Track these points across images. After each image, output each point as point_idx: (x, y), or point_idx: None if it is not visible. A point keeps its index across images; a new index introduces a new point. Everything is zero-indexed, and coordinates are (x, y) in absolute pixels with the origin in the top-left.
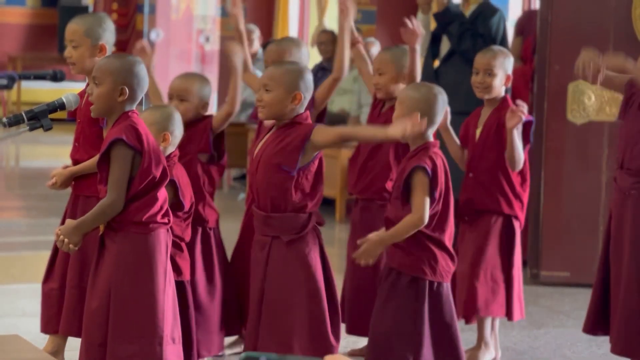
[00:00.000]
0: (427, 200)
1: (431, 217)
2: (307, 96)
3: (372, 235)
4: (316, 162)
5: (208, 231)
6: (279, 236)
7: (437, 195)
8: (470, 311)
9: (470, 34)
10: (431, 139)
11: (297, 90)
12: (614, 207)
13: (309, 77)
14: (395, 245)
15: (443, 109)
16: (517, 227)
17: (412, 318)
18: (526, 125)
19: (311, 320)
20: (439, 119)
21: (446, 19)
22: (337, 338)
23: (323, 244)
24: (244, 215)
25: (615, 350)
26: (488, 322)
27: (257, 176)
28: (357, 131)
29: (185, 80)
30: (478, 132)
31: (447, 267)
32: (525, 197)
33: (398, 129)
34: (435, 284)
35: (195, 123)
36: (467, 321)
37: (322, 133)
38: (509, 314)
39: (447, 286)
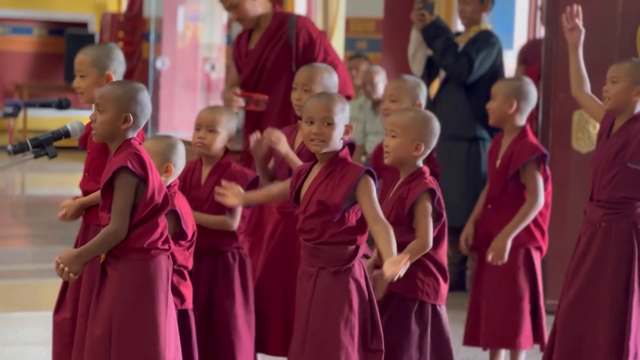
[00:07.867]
0: (431, 225)
1: (435, 238)
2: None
3: (386, 267)
4: None
5: (244, 257)
6: (325, 267)
7: (444, 214)
8: (493, 344)
9: (454, 51)
10: (421, 164)
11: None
12: (582, 237)
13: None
14: None
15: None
16: (538, 257)
17: (418, 343)
18: (541, 159)
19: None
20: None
21: (432, 33)
22: None
23: (368, 277)
24: (266, 246)
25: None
26: (501, 354)
27: (306, 213)
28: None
29: (214, 112)
30: (498, 163)
31: (444, 290)
32: (545, 226)
33: (390, 271)
34: (437, 307)
35: (229, 170)
36: (485, 348)
37: (365, 197)
38: (542, 343)
39: (444, 308)
